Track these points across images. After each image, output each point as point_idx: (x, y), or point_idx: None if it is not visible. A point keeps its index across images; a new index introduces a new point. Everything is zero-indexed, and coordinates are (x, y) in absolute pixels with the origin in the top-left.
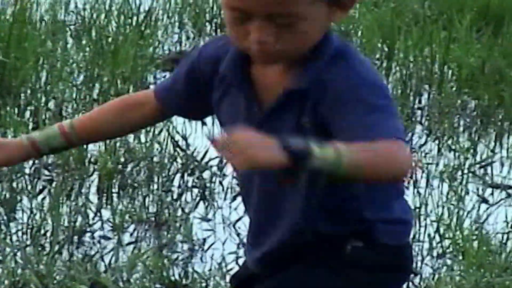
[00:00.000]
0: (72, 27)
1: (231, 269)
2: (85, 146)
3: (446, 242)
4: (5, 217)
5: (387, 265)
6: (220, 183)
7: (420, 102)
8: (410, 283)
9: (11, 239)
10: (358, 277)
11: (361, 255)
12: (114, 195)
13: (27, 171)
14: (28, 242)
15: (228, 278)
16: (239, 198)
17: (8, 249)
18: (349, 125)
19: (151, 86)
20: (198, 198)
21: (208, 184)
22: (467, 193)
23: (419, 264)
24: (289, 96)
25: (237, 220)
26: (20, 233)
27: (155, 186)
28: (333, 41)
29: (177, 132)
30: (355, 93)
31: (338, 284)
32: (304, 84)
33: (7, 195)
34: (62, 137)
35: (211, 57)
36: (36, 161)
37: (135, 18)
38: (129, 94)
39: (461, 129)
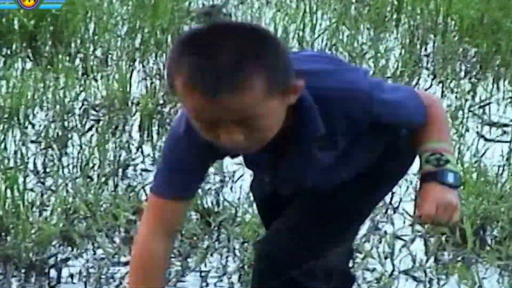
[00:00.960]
0: None
1: None
2: (127, 89)
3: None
4: (57, 152)
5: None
6: None
7: (426, 50)
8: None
9: (63, 172)
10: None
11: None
12: (154, 132)
13: (76, 111)
14: (78, 174)
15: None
16: None
17: (60, 180)
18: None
19: None
20: None
21: None
22: (467, 130)
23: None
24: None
25: None
26: (71, 166)
27: None
28: (305, 97)
29: None
30: (380, 107)
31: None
32: (317, 132)
33: (60, 133)
34: None
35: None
36: (85, 102)
37: None
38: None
39: (462, 73)
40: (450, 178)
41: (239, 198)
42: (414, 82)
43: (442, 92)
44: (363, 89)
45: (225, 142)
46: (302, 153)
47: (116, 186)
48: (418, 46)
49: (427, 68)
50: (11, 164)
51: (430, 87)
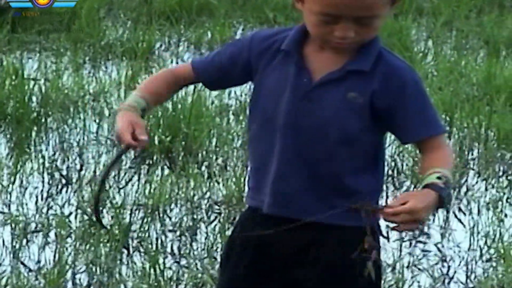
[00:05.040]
0: (233, 107)
1: None
2: (242, 189)
3: (492, 251)
4: (189, 239)
5: None
6: None
7: (472, 154)
8: (466, 278)
9: (194, 254)
10: None
11: None
12: None
13: (203, 207)
14: (205, 255)
15: None
16: None
17: (191, 260)
18: (414, 116)
19: None
20: None
21: None
22: (505, 216)
23: (473, 266)
24: (347, 73)
25: None
26: (199, 249)
27: None
28: (379, 38)
29: None
30: (417, 86)
31: None
32: (364, 67)
33: (191, 224)
34: (142, 100)
35: (264, 38)
36: (210, 199)
37: None
38: (171, 69)
39: (501, 173)
40: (447, 199)
41: None
42: (463, 181)
43: (486, 187)
44: (417, 75)
45: (338, 35)
46: (338, 83)
47: None
48: (466, 152)
49: (473, 169)
50: (153, 248)
51: (476, 183)
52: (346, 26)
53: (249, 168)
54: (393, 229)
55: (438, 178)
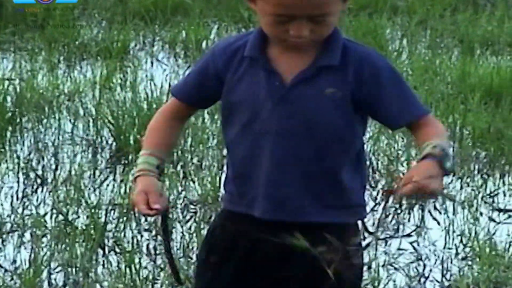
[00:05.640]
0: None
1: None
2: (218, 188)
3: (467, 249)
4: None
5: None
6: None
7: None
8: (442, 277)
9: None
10: None
11: None
12: None
13: (179, 206)
14: (181, 255)
15: None
16: None
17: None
18: (396, 100)
19: None
20: None
21: None
22: (481, 214)
23: (449, 265)
24: (319, 69)
25: None
26: (175, 249)
27: None
28: (338, 29)
29: None
30: (391, 71)
31: None
32: (334, 61)
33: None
34: (152, 157)
35: (225, 48)
36: (185, 199)
37: None
38: (162, 110)
39: (476, 171)
40: (448, 164)
41: None
42: None
43: (461, 186)
44: (387, 60)
45: (293, 34)
46: (313, 81)
47: None
48: None
49: None
50: (129, 247)
51: (451, 182)
52: (300, 25)
53: (227, 173)
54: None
55: (434, 147)
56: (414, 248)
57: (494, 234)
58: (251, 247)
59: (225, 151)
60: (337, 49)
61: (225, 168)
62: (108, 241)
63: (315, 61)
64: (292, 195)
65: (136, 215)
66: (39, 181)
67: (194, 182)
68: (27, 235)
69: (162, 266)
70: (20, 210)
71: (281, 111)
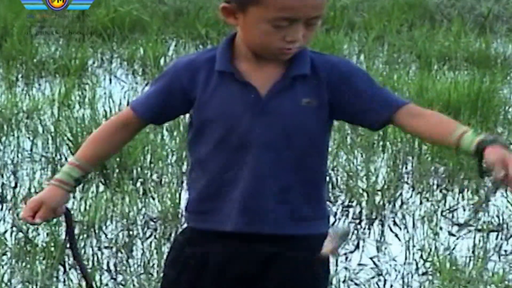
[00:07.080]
0: (166, 124)
1: None
2: (178, 204)
3: (428, 264)
4: (125, 255)
5: None
6: None
7: (406, 168)
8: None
9: (130, 270)
10: None
11: None
12: None
13: (139, 223)
14: (142, 271)
15: None
16: None
17: (128, 277)
18: (373, 97)
19: None
20: None
21: None
22: (440, 229)
23: (410, 280)
24: (293, 80)
25: None
26: (136, 266)
27: None
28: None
29: None
30: (362, 73)
31: None
32: (306, 70)
33: (127, 240)
34: (78, 169)
35: (187, 65)
36: (145, 216)
37: None
38: (112, 119)
39: (435, 186)
40: (499, 140)
41: None
42: (397, 194)
43: (420, 201)
44: (355, 64)
45: (289, 39)
46: (288, 91)
47: None
48: (400, 166)
49: (407, 183)
50: (90, 265)
51: (410, 197)
52: (297, 28)
53: (191, 193)
54: None
55: (479, 133)
56: (374, 263)
57: (454, 248)
58: (225, 263)
59: (184, 168)
60: (306, 59)
61: (185, 185)
62: (69, 258)
63: (288, 72)
64: (270, 207)
65: (96, 231)
66: None
67: (154, 198)
68: None
69: (123, 283)
70: None
71: (260, 123)
